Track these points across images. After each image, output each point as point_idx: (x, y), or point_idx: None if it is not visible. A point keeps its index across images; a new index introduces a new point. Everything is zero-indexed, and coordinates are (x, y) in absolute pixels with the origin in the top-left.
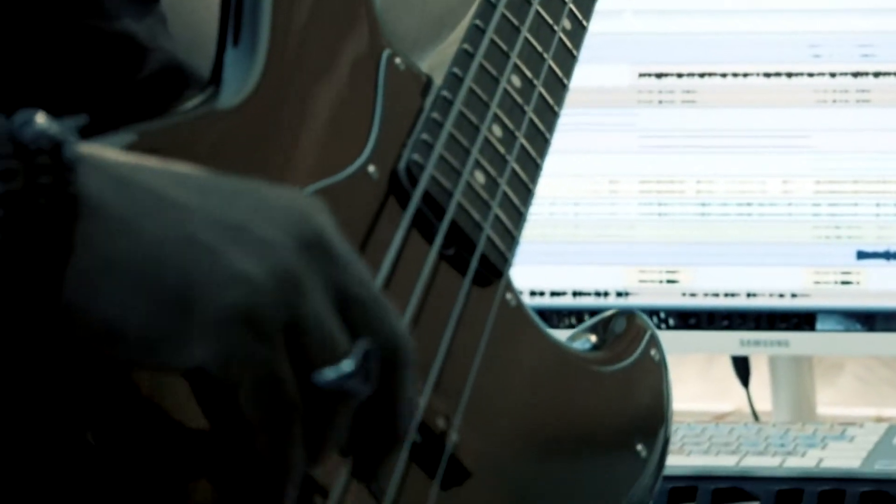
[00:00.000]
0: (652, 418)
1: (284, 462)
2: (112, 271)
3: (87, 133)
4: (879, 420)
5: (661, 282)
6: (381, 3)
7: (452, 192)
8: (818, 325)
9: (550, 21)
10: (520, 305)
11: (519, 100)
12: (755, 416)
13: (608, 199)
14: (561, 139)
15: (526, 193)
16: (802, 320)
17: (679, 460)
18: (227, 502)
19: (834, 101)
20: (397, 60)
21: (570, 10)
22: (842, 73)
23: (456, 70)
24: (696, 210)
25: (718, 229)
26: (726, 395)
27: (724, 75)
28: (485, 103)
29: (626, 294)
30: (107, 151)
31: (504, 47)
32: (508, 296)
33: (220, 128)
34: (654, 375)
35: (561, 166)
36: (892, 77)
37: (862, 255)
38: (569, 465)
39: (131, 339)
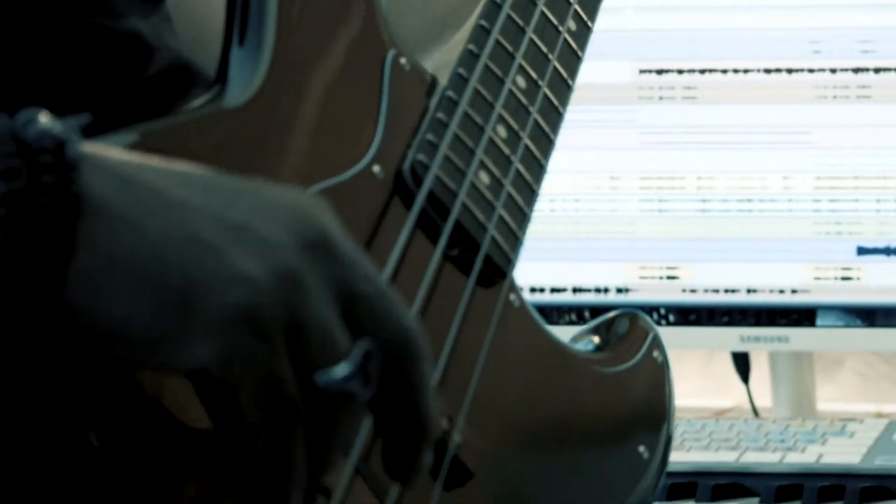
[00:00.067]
0: (654, 420)
1: (286, 463)
2: (115, 271)
3: (93, 132)
4: (879, 416)
5: (661, 278)
6: (385, 4)
7: (457, 192)
8: (818, 321)
9: (555, 22)
10: (523, 306)
11: (524, 100)
12: (755, 411)
13: (609, 195)
14: (562, 135)
15: (530, 194)
16: (802, 316)
17: (679, 456)
18: None
19: (834, 97)
20: (402, 60)
21: (576, 11)
22: (842, 69)
23: (461, 70)
24: (697, 206)
25: (719, 225)
26: (726, 391)
27: (724, 71)
28: (490, 104)
29: (627, 290)
30: (110, 151)
31: (509, 48)
32: (512, 296)
33: (225, 126)
34: (657, 377)
35: (562, 163)
36: (892, 73)
37: (862, 250)
38: (571, 466)
39: (134, 338)
